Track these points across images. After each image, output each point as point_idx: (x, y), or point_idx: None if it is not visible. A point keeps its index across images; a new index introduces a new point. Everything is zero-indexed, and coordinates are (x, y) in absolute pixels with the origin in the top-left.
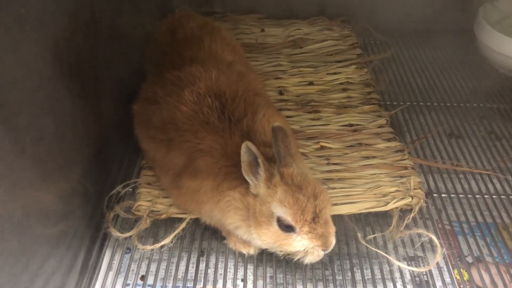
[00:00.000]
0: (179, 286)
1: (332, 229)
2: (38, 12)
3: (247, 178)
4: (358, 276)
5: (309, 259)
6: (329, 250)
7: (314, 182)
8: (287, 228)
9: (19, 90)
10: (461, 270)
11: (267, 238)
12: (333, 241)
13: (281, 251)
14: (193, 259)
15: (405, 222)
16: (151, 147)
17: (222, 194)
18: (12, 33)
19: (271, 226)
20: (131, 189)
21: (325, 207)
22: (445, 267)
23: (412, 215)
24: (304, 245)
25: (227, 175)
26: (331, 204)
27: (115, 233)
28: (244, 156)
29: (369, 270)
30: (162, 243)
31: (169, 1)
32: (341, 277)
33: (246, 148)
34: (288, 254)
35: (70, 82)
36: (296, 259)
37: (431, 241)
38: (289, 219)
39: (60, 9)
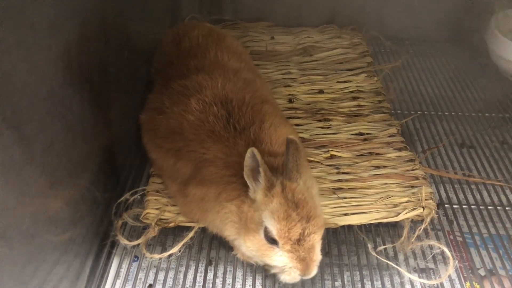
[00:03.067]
0: None
1: (317, 257)
2: (50, 19)
3: (247, 181)
4: (368, 287)
5: (283, 278)
6: (308, 277)
7: (313, 204)
8: (271, 240)
9: (30, 98)
10: (474, 283)
11: (251, 244)
12: (314, 270)
13: (261, 261)
14: (201, 268)
15: (416, 233)
16: (159, 157)
17: (220, 205)
18: (24, 40)
19: (258, 234)
20: (139, 197)
21: (315, 232)
22: (457, 279)
23: (423, 226)
24: (282, 262)
25: (227, 185)
26: (323, 230)
27: (123, 241)
28: (247, 161)
29: (380, 281)
30: (170, 252)
31: (179, 9)
32: None
33: (251, 154)
34: (267, 266)
35: (80, 89)
36: (272, 272)
37: (442, 253)
38: (274, 232)
39: (72, 17)
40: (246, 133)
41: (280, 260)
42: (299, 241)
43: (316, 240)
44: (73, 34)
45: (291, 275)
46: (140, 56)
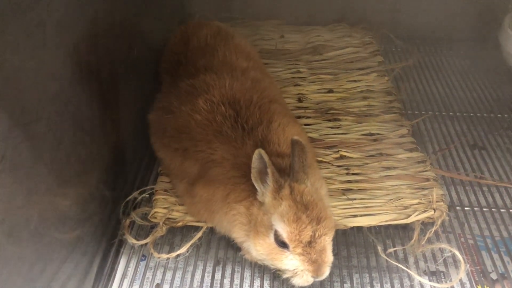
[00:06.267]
0: None
1: (328, 259)
2: (59, 17)
3: (255, 184)
4: None
5: (296, 281)
6: (320, 279)
7: (322, 206)
8: (282, 244)
9: (39, 96)
10: (485, 287)
11: (261, 248)
12: (326, 271)
13: (272, 265)
14: (209, 269)
15: (427, 235)
16: (167, 156)
17: (228, 207)
18: (33, 38)
19: (268, 238)
20: (147, 196)
21: (326, 234)
22: (468, 283)
23: (434, 228)
24: (294, 266)
25: (235, 186)
26: (334, 232)
27: (131, 240)
28: (255, 163)
29: (389, 284)
30: (178, 252)
31: (188, 6)
32: None
33: (259, 155)
34: (279, 270)
35: (89, 87)
36: (284, 277)
37: (453, 256)
38: (284, 235)
39: (81, 14)
40: (254, 133)
41: (292, 263)
42: (310, 243)
43: (327, 242)
44: (82, 32)
45: (303, 278)
46: (149, 54)
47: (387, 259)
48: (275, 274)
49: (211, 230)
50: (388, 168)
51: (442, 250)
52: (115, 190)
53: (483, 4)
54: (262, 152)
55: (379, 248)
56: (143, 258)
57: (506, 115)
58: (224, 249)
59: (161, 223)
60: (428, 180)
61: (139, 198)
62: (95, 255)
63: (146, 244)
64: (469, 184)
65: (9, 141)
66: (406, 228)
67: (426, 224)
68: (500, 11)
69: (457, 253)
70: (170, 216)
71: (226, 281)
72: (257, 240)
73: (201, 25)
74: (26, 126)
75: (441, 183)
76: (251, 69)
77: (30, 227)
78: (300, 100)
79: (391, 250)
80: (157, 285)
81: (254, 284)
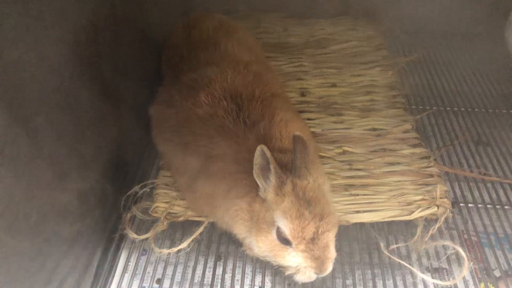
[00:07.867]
0: None
1: (331, 255)
2: (59, 9)
3: (257, 180)
4: (380, 287)
5: (299, 278)
6: (324, 275)
7: (325, 202)
8: (284, 240)
9: (39, 89)
10: (488, 284)
11: (263, 245)
12: (329, 267)
13: (275, 262)
14: (210, 264)
15: (430, 232)
16: (168, 150)
17: (230, 202)
18: (33, 31)
19: (270, 234)
20: (148, 190)
21: (329, 230)
22: (471, 280)
23: (437, 225)
24: (297, 262)
25: (236, 181)
26: (337, 228)
27: (132, 234)
28: (257, 159)
29: (392, 281)
30: (179, 247)
31: None
32: None
33: (261, 152)
34: (281, 267)
35: (90, 81)
36: (287, 273)
37: (457, 253)
38: (287, 232)
39: (81, 7)
40: (256, 128)
41: (294, 260)
42: (313, 240)
43: (330, 238)
44: (82, 25)
45: (306, 274)
46: (151, 47)
47: (390, 255)
48: (277, 270)
49: (212, 225)
50: (391, 164)
51: (445, 247)
52: (115, 184)
53: None
54: (265, 148)
55: (382, 245)
56: (144, 253)
57: (511, 111)
58: (226, 244)
59: (162, 218)
60: (431, 176)
61: (140, 192)
62: (96, 250)
63: (147, 238)
64: (473, 181)
65: (8, 135)
66: (409, 224)
67: (429, 221)
68: (506, 6)
69: (460, 250)
70: (171, 211)
71: (228, 276)
72: (259, 237)
73: (203, 18)
74: (25, 120)
75: (445, 179)
76: (254, 63)
77: (30, 222)
78: (303, 94)
79: (394, 246)
80: (158, 280)
81: (256, 279)
